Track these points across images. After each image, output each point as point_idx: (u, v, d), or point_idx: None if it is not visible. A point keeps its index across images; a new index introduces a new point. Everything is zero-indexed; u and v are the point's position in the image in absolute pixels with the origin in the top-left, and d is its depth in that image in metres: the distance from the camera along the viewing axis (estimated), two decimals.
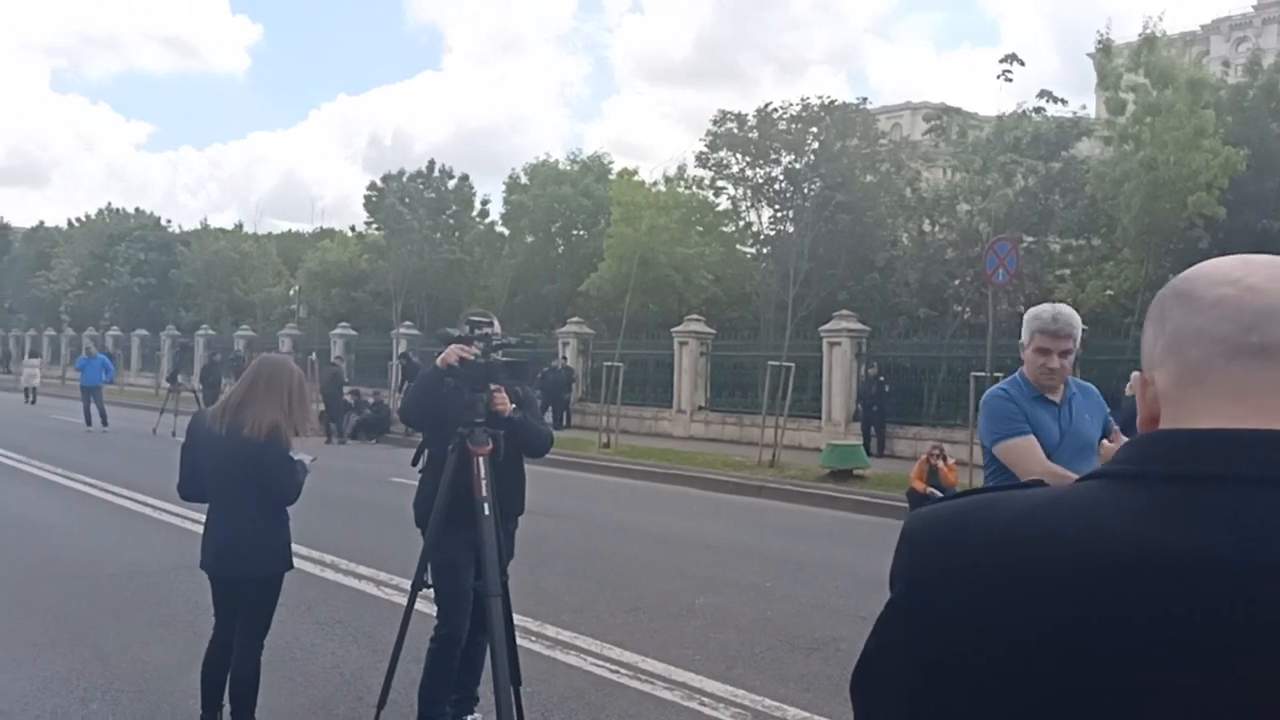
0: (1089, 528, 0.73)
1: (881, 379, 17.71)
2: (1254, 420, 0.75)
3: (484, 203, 37.09)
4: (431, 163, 36.72)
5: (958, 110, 23.64)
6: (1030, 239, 19.66)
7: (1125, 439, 0.94)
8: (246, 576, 3.92)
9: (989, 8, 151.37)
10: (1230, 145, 17.10)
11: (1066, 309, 3.59)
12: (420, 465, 4.31)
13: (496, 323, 4.14)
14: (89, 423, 20.77)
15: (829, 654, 5.86)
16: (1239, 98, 19.80)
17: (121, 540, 8.95)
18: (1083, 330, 3.71)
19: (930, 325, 20.78)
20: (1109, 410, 3.78)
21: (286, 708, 4.67)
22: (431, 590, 4.14)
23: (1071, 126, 21.48)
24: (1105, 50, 19.46)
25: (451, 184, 36.48)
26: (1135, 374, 0.87)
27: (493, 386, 3.95)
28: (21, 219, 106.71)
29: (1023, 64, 19.34)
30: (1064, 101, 20.82)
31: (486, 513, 3.83)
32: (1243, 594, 0.68)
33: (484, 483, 3.85)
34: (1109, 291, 18.95)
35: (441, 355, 3.97)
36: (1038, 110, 20.90)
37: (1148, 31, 18.76)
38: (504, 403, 3.97)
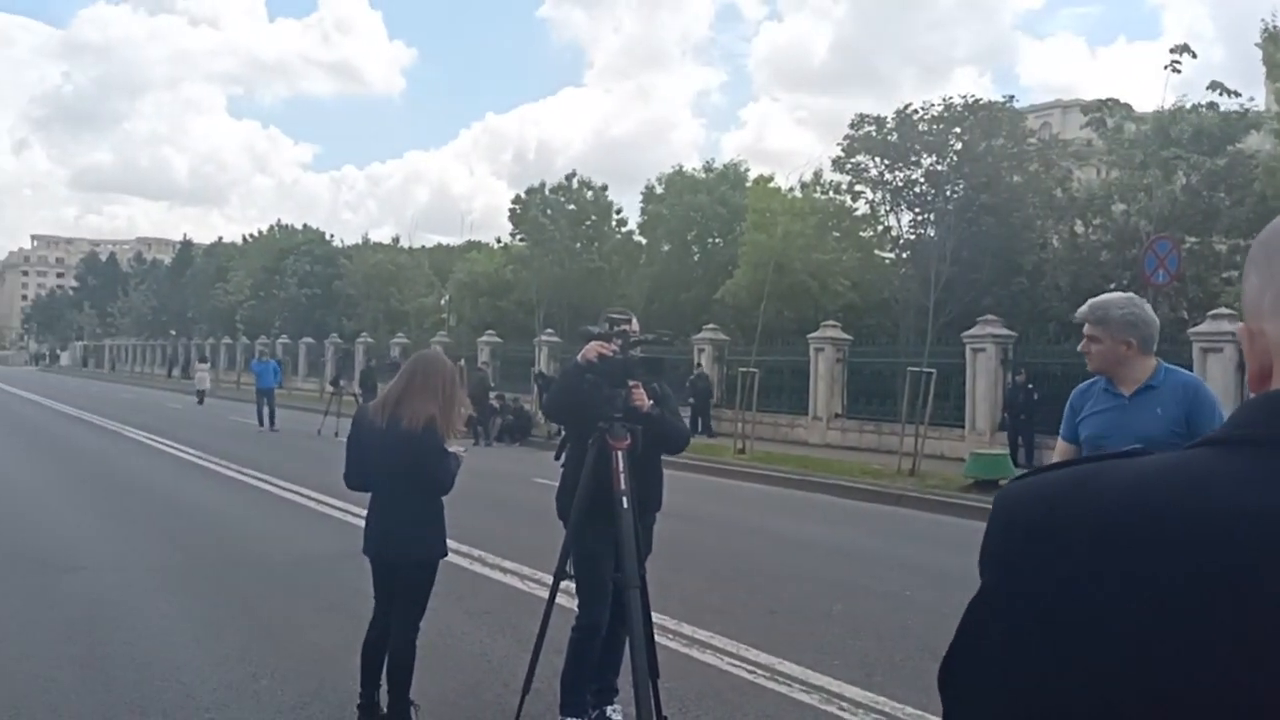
0: (1194, 499, 0.67)
1: (1030, 386, 17.03)
2: None
3: (618, 212, 37.73)
4: (571, 174, 37.61)
5: (1116, 102, 22.35)
6: (1193, 239, 18.54)
7: None
8: (405, 561, 4.17)
9: None
10: None
11: (1104, 297, 3.63)
12: (562, 460, 4.47)
13: (635, 320, 4.27)
14: (261, 423, 22.28)
15: None
16: None
17: (290, 531, 9.59)
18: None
19: (1083, 331, 19.81)
20: (1218, 406, 3.54)
21: (438, 690, 4.92)
22: (573, 581, 4.30)
23: (1238, 119, 20.10)
24: (1273, 39, 18.18)
25: (590, 195, 37.22)
26: (1239, 325, 0.79)
27: (630, 382, 4.07)
28: (202, 236, 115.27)
29: (1194, 55, 18.11)
30: (1236, 94, 19.45)
31: (625, 506, 3.95)
32: None
33: (622, 476, 3.97)
34: None
35: (581, 351, 4.13)
36: (1210, 106, 19.61)
37: None
38: (641, 398, 4.08)
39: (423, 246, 56.94)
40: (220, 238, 72.80)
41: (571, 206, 36.54)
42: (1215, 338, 14.80)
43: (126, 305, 75.46)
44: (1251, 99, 19.98)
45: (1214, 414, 3.43)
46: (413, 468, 4.07)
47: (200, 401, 33.80)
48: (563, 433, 4.60)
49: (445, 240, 72.37)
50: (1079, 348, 3.67)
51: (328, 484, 12.21)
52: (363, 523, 9.62)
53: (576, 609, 4.39)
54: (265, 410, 22.53)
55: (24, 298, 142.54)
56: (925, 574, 8.49)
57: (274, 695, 4.81)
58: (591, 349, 4.05)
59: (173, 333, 63.42)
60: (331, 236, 57.40)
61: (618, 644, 4.46)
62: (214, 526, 9.85)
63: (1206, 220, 19.14)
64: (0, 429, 21.54)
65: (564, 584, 4.26)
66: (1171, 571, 0.65)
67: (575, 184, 37.08)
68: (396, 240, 54.70)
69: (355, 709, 4.32)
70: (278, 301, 50.97)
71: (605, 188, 37.31)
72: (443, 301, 44.82)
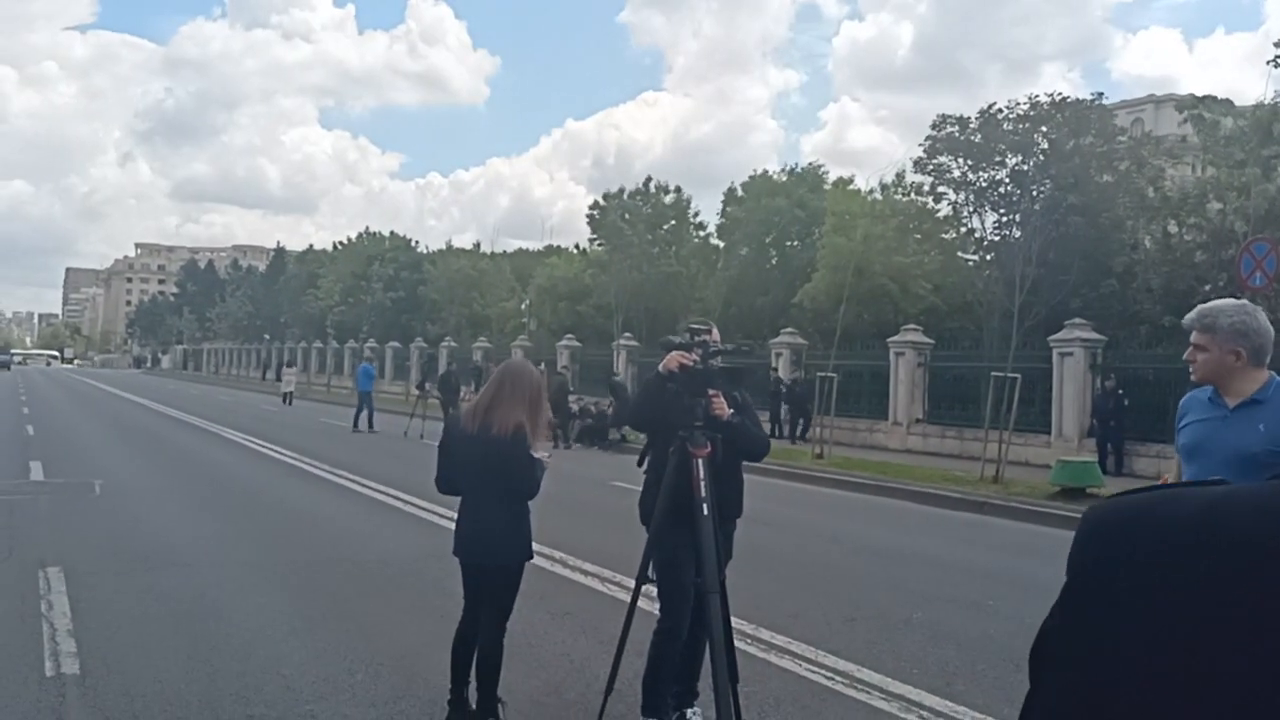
0: (1260, 528, 0.73)
1: (1120, 392, 16.56)
2: None
3: (696, 215, 37.85)
4: (648, 179, 37.85)
5: (1215, 98, 21.51)
6: None
7: None
8: (494, 563, 4.32)
9: None
10: None
11: (1214, 304, 3.48)
12: (644, 466, 4.57)
13: (715, 330, 4.36)
14: (355, 426, 22.97)
15: None
16: None
17: (377, 530, 9.90)
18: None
19: (1176, 334, 19.15)
20: None
21: (524, 688, 5.06)
22: (654, 585, 4.39)
23: None
24: None
25: (668, 199, 37.39)
26: None
27: (710, 391, 4.15)
28: (294, 243, 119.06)
29: None
30: None
31: (705, 512, 4.03)
32: None
33: (703, 484, 4.05)
34: None
35: (663, 361, 4.22)
36: None
37: None
38: (722, 407, 4.16)
39: (504, 252, 58.07)
40: (311, 245, 75.26)
41: (649, 210, 36.78)
42: None
43: (223, 310, 78.48)
44: None
45: None
46: (502, 473, 4.22)
47: (288, 403, 34.95)
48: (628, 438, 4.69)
49: (526, 245, 73.59)
50: (1184, 356, 3.53)
51: (413, 485, 12.59)
52: (447, 524, 9.94)
53: (658, 612, 4.48)
54: (364, 412, 23.25)
55: (128, 303, 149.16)
56: (1008, 583, 8.36)
57: (369, 689, 5.01)
58: (673, 359, 4.15)
59: (266, 337, 65.72)
60: (416, 243, 58.89)
61: (698, 648, 4.54)
62: (305, 525, 10.23)
63: None
64: (103, 429, 22.64)
65: (645, 588, 4.35)
66: (1225, 598, 0.72)
67: (653, 188, 37.28)
68: (478, 246, 55.87)
69: (445, 704, 4.48)
70: (365, 307, 52.44)
71: (680, 190, 37.45)
72: (523, 306, 45.57)
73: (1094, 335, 17.82)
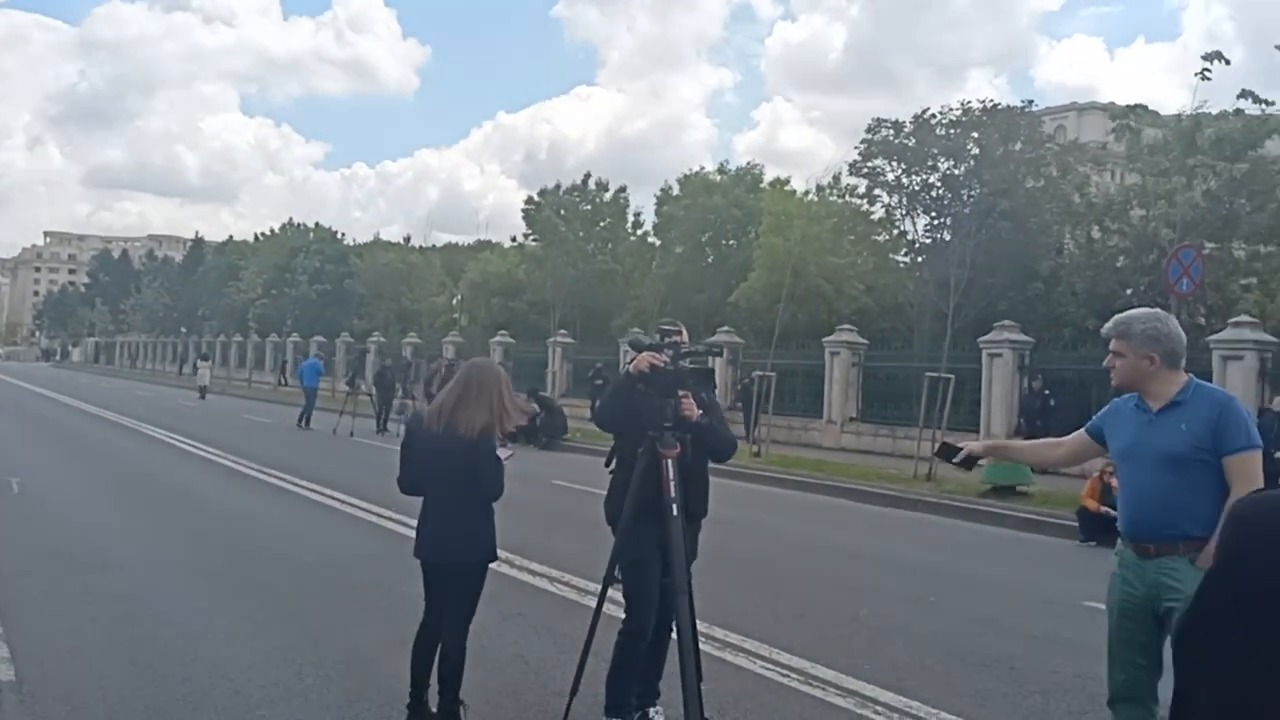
0: None
1: (1046, 392, 17.06)
2: None
3: (637, 214, 37.86)
4: (587, 175, 37.72)
5: (1143, 108, 22.35)
6: (1212, 245, 18.54)
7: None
8: (458, 565, 4.26)
9: None
10: None
11: (1128, 313, 3.72)
12: (611, 466, 4.55)
13: (685, 332, 4.36)
14: (300, 423, 22.41)
15: (1002, 671, 5.79)
16: None
17: (316, 531, 9.68)
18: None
19: (1099, 337, 19.82)
20: (1249, 422, 3.56)
21: (480, 691, 4.99)
22: (620, 586, 4.38)
23: (1259, 125, 20.09)
24: None
25: (606, 196, 37.32)
26: None
27: (680, 392, 4.15)
28: (213, 233, 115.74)
29: (1227, 62, 18.04)
30: (1269, 102, 19.39)
31: (674, 513, 4.04)
32: None
33: (672, 484, 4.06)
34: None
35: (634, 362, 4.21)
36: (1238, 112, 19.61)
37: None
38: (691, 408, 4.17)
39: (434, 246, 57.31)
40: (231, 236, 73.25)
41: (586, 207, 36.67)
42: (1236, 345, 14.82)
43: (138, 302, 75.90)
44: (1271, 102, 19.96)
45: (1243, 430, 3.45)
46: (467, 474, 4.16)
47: (202, 397, 34.04)
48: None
49: (456, 239, 72.72)
50: (1104, 363, 3.72)
51: (349, 484, 12.35)
52: (387, 524, 9.78)
53: (624, 613, 4.46)
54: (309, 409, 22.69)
55: (36, 294, 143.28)
56: (948, 579, 8.55)
57: (321, 694, 4.89)
58: (643, 359, 4.14)
59: (183, 330, 63.79)
60: (342, 235, 57.65)
61: (662, 647, 4.55)
62: (239, 524, 9.95)
63: (1226, 226, 19.16)
64: (14, 425, 21.72)
65: (589, 585, 4.34)
66: None
67: (592, 185, 37.18)
68: (408, 239, 55.04)
69: (405, 708, 4.40)
70: (289, 299, 51.22)
71: (624, 189, 37.43)
72: (454, 301, 45.02)
73: (1022, 337, 18.34)
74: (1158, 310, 3.88)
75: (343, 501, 11.20)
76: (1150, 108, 21.73)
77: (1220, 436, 3.42)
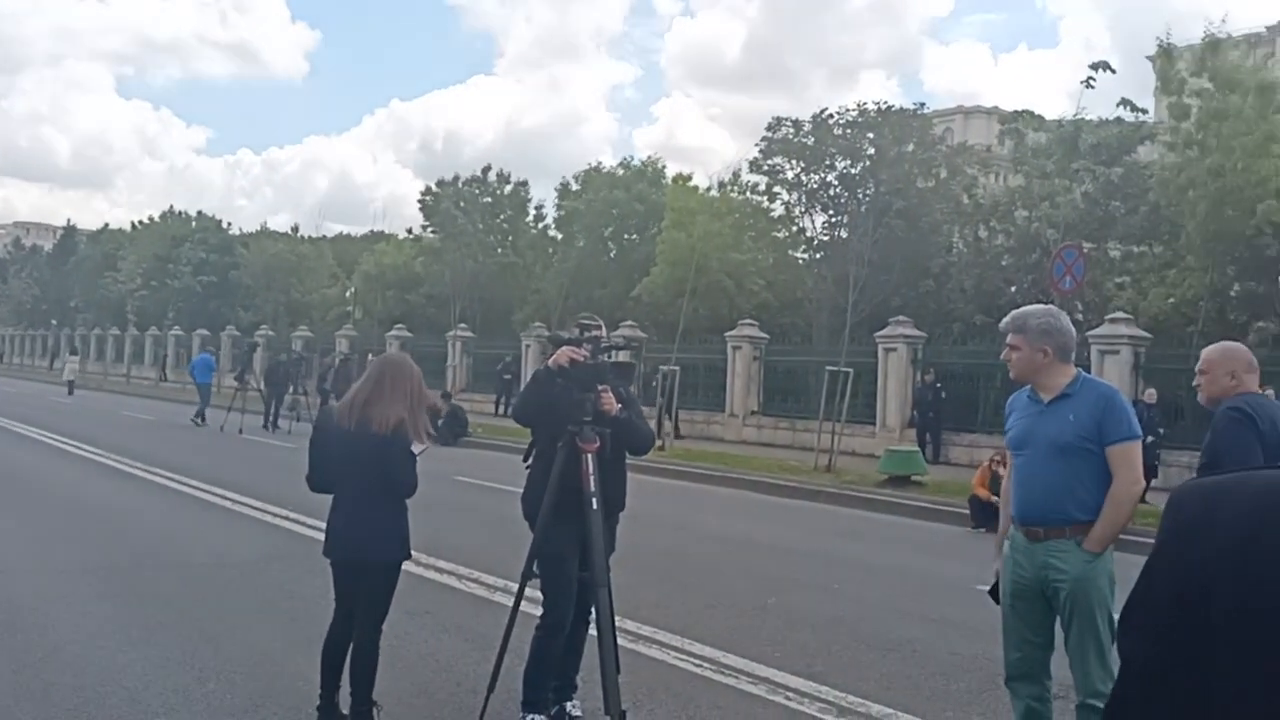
0: None
1: (938, 385, 17.69)
2: None
3: (538, 208, 37.56)
4: (487, 167, 37.22)
5: (1030, 113, 23.40)
6: (1090, 245, 19.52)
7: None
8: (372, 563, 4.15)
9: (1049, 7, 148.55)
10: None
11: (1024, 309, 3.90)
12: (529, 462, 4.51)
13: (604, 326, 4.35)
14: (198, 419, 21.43)
15: (905, 654, 5.97)
16: None
17: (208, 531, 9.31)
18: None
19: (985, 332, 20.69)
20: (1135, 416, 3.76)
21: (390, 691, 4.88)
22: (538, 580, 4.34)
23: (1133, 132, 21.26)
24: (1166, 54, 19.24)
25: (507, 189, 36.92)
26: None
27: (600, 387, 4.14)
28: (86, 221, 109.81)
29: (1113, 71, 18.98)
30: (1144, 110, 20.50)
31: (595, 507, 4.03)
32: None
33: (592, 479, 4.05)
34: (1170, 299, 18.72)
35: (553, 357, 4.18)
36: (1117, 120, 20.67)
37: (1210, 34, 18.52)
38: (611, 403, 4.16)
39: (325, 236, 55.67)
40: (107, 224, 69.46)
41: (486, 200, 36.20)
42: (1112, 340, 15.64)
43: (4, 293, 71.50)
44: (1145, 110, 21.11)
45: (1125, 421, 3.63)
46: (381, 471, 4.06)
47: (70, 392, 32.38)
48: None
49: (349, 230, 70.82)
50: (1001, 356, 3.90)
51: (240, 482, 11.93)
52: (282, 523, 9.49)
53: (541, 608, 4.43)
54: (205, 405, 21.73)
55: None
56: (850, 566, 8.79)
57: (223, 698, 4.71)
58: (563, 354, 4.12)
59: (54, 322, 60.36)
60: (228, 225, 55.45)
61: (579, 641, 4.55)
62: (124, 526, 9.51)
63: (1102, 228, 20.20)
64: None
65: (496, 582, 4.30)
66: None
67: (492, 177, 36.72)
68: (297, 229, 53.31)
69: (314, 710, 4.27)
70: (171, 291, 49.04)
71: (525, 182, 37.09)
72: (348, 294, 43.83)
73: (915, 332, 18.96)
74: (1051, 306, 4.07)
75: (235, 501, 10.81)
76: (1035, 113, 22.77)
77: (1104, 427, 3.60)
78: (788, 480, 14.25)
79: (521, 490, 4.59)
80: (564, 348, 4.14)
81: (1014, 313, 3.88)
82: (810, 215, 26.02)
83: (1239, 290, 19.46)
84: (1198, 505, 0.93)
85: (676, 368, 18.03)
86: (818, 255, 26.18)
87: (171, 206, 61.15)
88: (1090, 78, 18.78)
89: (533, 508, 4.33)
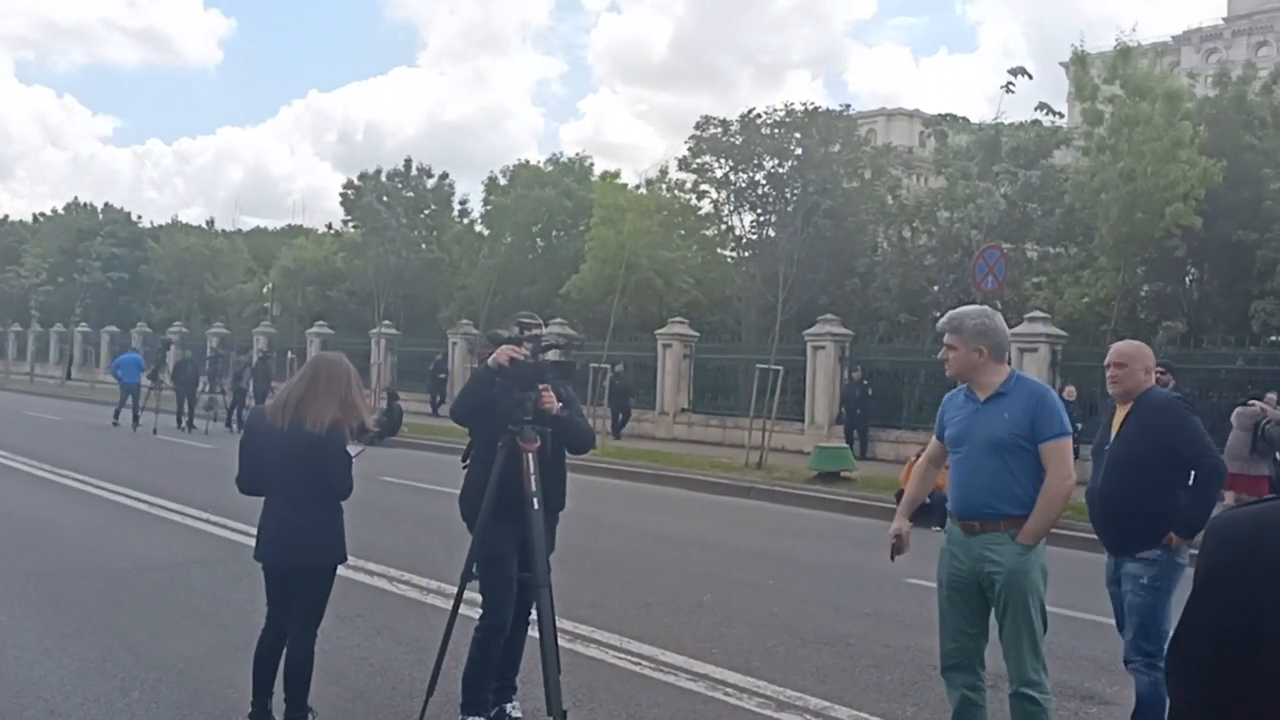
0: None
1: (865, 382, 18.00)
2: None
3: (463, 203, 37.08)
4: (409, 161, 36.59)
5: (954, 116, 23.98)
6: (1009, 246, 20.09)
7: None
8: (307, 566, 4.04)
9: (968, 13, 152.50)
10: (1205, 157, 17.55)
11: (960, 310, 3.99)
12: (467, 463, 4.45)
13: (544, 325, 4.30)
14: (117, 419, 20.49)
15: (840, 648, 6.06)
16: (1210, 109, 20.31)
17: (126, 536, 8.98)
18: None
19: (910, 330, 21.16)
20: (1065, 413, 3.87)
21: (325, 697, 4.77)
22: (477, 582, 4.29)
23: (1050, 136, 21.94)
24: (1080, 61, 19.91)
25: (431, 183, 36.36)
26: None
27: (540, 386, 4.10)
28: None
29: (1030, 77, 19.56)
30: (1060, 115, 21.17)
31: (535, 507, 3.99)
32: None
33: (533, 478, 4.00)
34: (1085, 299, 19.37)
35: (493, 355, 4.12)
36: (1035, 123, 21.30)
37: (1122, 43, 19.22)
38: (551, 401, 4.12)
39: (240, 230, 54.11)
40: (7, 215, 66.38)
41: (409, 194, 35.60)
42: (1031, 339, 16.11)
43: None
44: (1060, 115, 21.81)
45: (1056, 419, 3.75)
46: (315, 472, 3.95)
47: None
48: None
49: (265, 224, 69.02)
50: (939, 355, 3.98)
51: (157, 485, 11.53)
52: (205, 526, 9.21)
53: (480, 609, 4.37)
54: (131, 406, 20.71)
55: None
56: (783, 562, 8.88)
57: (148, 708, 4.54)
58: (503, 353, 4.06)
59: None
60: (138, 218, 53.49)
61: (518, 642, 4.50)
62: (36, 531, 9.10)
63: (1021, 229, 20.81)
64: None
65: (429, 584, 4.24)
66: None
67: (415, 171, 36.11)
68: (211, 222, 51.70)
69: (245, 718, 4.15)
70: (78, 286, 47.13)
71: (447, 176, 36.56)
72: (265, 290, 42.67)
73: (843, 330, 19.27)
74: (986, 307, 4.16)
75: (153, 504, 10.43)
76: (958, 116, 23.37)
77: (1037, 424, 3.71)
78: (720, 477, 14.35)
79: (457, 490, 4.53)
80: (504, 346, 4.09)
81: (950, 313, 3.96)
82: (739, 214, 26.25)
83: (1149, 290, 20.25)
84: (1242, 536, 0.93)
85: (607, 365, 18.00)
86: (746, 254, 26.42)
87: (76, 198, 58.79)
88: (1010, 83, 19.38)
89: (471, 508, 4.27)
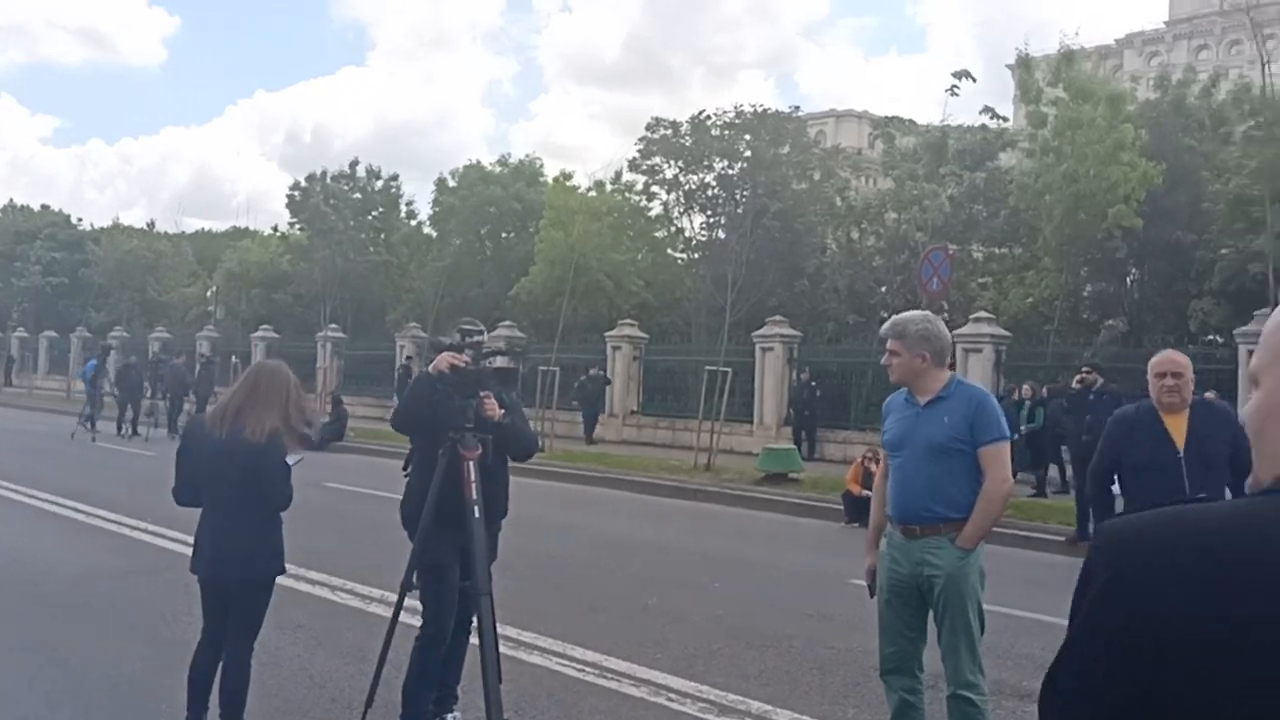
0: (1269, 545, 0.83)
1: (813, 384, 18.15)
2: None
3: (409, 204, 36.72)
4: (355, 162, 36.16)
5: (901, 119, 24.29)
6: (955, 247, 20.42)
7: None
8: (244, 578, 3.96)
9: (918, 14, 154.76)
10: (1145, 159, 17.98)
11: (903, 315, 4.01)
12: (408, 470, 4.40)
13: (487, 332, 4.27)
14: (86, 425, 19.77)
15: (783, 650, 6.09)
16: (1151, 112, 20.82)
17: (55, 546, 8.73)
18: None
19: (858, 331, 21.40)
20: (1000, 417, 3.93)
21: (263, 710, 4.68)
22: (417, 591, 4.24)
23: (995, 138, 22.33)
24: (1025, 64, 20.30)
25: (378, 184, 35.96)
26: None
27: (482, 393, 4.07)
28: None
29: (974, 80, 19.93)
30: (1004, 118, 21.56)
31: (476, 515, 3.95)
32: None
33: (474, 486, 3.97)
34: (1029, 299, 19.74)
35: (434, 362, 4.08)
36: (982, 127, 21.67)
37: (1066, 46, 19.64)
38: (493, 408, 4.09)
39: (183, 232, 53.01)
40: None
41: (357, 195, 35.16)
42: (976, 339, 16.38)
43: None
44: (1005, 118, 22.22)
45: (995, 423, 3.80)
46: (254, 482, 3.87)
47: None
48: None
49: (209, 226, 67.70)
50: (882, 361, 4.01)
51: (90, 493, 11.24)
52: (140, 536, 9.00)
53: (421, 618, 4.32)
54: (94, 412, 19.99)
55: None
56: (729, 565, 8.91)
57: None
58: (443, 360, 4.02)
59: None
60: (79, 220, 52.16)
61: (459, 651, 4.46)
62: None
63: (967, 230, 21.15)
64: None
65: (372, 592, 4.19)
66: (1260, 608, 0.80)
67: (363, 172, 35.69)
68: (153, 225, 50.52)
69: None
70: (15, 290, 45.84)
71: (396, 177, 36.16)
72: (209, 293, 41.84)
73: (791, 331, 19.41)
74: (928, 313, 4.20)
75: (86, 514, 10.16)
76: (905, 118, 23.71)
77: (976, 428, 3.76)
78: (668, 480, 14.37)
79: (399, 497, 4.48)
80: (444, 353, 4.05)
81: (894, 319, 3.99)
82: (689, 215, 26.37)
83: (1091, 290, 20.71)
84: (1144, 548, 0.87)
85: (597, 370, 17.97)
86: (696, 255, 26.52)
87: (13, 200, 57.12)
88: (954, 86, 19.69)
89: (412, 516, 4.22)
